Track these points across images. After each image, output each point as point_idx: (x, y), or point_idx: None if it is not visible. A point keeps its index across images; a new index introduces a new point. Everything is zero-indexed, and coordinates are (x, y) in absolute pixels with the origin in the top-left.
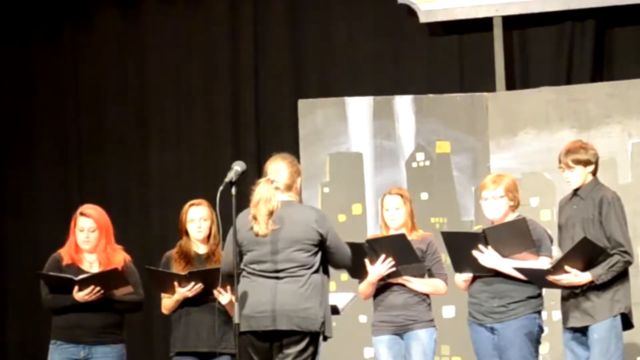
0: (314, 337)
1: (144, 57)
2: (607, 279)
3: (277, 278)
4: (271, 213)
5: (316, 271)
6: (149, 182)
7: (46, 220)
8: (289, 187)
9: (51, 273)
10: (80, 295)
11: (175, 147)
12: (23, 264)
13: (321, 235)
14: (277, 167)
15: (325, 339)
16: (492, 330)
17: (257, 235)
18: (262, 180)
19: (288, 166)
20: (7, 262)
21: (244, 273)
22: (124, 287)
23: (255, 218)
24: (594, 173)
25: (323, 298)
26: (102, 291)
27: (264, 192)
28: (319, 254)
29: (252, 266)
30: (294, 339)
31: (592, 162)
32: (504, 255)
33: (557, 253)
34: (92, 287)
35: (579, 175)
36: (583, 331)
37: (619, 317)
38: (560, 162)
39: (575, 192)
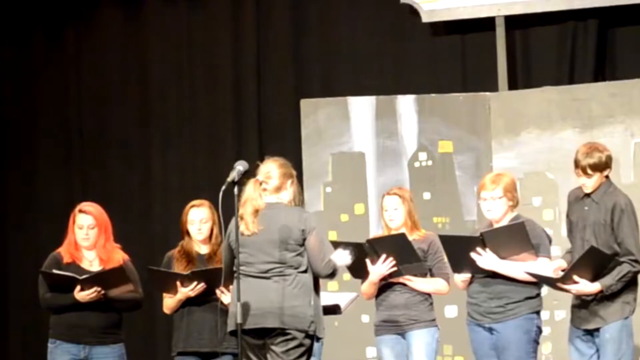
0: (305, 337)
1: (146, 57)
2: (617, 289)
3: (265, 278)
4: (256, 211)
5: (304, 271)
6: (152, 182)
7: (48, 221)
8: (277, 189)
9: (54, 271)
10: (82, 295)
11: (178, 147)
12: (25, 265)
13: (303, 232)
14: (267, 169)
15: (317, 339)
16: (490, 330)
17: (242, 234)
18: (250, 181)
19: (277, 167)
20: (9, 262)
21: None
22: (125, 285)
23: (242, 218)
24: (608, 175)
25: (313, 298)
26: (103, 292)
27: (250, 191)
28: (307, 254)
29: (242, 268)
30: (283, 338)
31: (609, 166)
32: (502, 257)
33: (557, 252)
34: (94, 288)
35: (596, 180)
36: (591, 331)
37: (630, 318)
38: (576, 166)
39: (588, 192)
